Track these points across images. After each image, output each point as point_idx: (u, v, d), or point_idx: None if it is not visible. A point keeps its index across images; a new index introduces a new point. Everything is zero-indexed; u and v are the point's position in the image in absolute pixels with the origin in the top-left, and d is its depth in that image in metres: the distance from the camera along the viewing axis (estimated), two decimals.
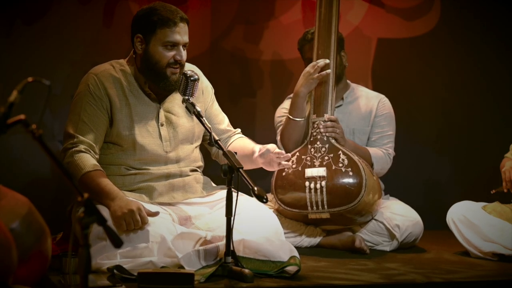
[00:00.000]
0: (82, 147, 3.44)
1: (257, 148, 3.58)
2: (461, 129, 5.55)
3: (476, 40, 5.53)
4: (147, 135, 3.56)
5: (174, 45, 3.50)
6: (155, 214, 3.34)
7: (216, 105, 3.85)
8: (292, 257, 3.27)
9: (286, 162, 3.55)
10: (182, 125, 3.64)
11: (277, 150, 3.53)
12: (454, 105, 5.57)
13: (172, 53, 3.50)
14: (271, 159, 3.53)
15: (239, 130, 3.91)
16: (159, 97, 3.61)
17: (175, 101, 3.63)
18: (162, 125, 3.59)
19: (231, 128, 3.88)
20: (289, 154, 3.63)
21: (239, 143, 3.79)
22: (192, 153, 3.70)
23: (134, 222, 3.24)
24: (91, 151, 3.46)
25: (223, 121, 3.86)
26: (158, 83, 3.54)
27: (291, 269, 3.22)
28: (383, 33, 5.45)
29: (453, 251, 4.18)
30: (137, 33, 3.54)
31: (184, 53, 3.54)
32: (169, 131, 3.61)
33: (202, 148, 3.84)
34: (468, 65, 5.55)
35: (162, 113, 3.60)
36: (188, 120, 3.66)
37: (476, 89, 5.57)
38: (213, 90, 3.84)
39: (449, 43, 5.53)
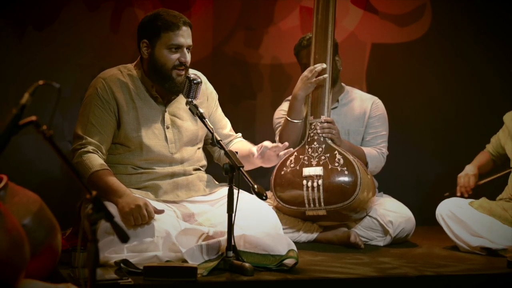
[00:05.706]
0: (90, 148, 3.50)
1: (254, 149, 3.63)
2: (453, 130, 5.57)
3: (468, 43, 5.53)
4: (153, 137, 3.62)
5: (178, 47, 3.56)
6: (161, 212, 3.39)
7: (219, 110, 3.91)
8: (290, 250, 3.32)
9: (284, 151, 3.60)
10: (187, 128, 3.70)
11: (273, 144, 3.58)
12: (447, 106, 5.58)
13: (176, 55, 3.56)
14: (270, 155, 3.59)
15: (240, 134, 3.97)
16: (165, 101, 3.67)
17: (180, 105, 3.69)
18: (168, 127, 3.65)
19: (233, 133, 3.94)
20: (286, 143, 3.60)
21: (238, 145, 3.84)
22: (195, 154, 3.76)
23: (141, 217, 3.28)
24: (99, 151, 3.51)
25: (226, 126, 3.92)
26: (163, 84, 3.59)
27: (289, 262, 3.28)
28: (377, 38, 5.46)
29: (443, 245, 4.24)
30: (142, 39, 3.60)
31: (188, 55, 3.59)
32: (174, 134, 3.67)
33: (205, 149, 3.90)
34: (460, 67, 5.56)
35: (167, 116, 3.66)
36: (193, 124, 3.72)
37: (469, 90, 5.58)
38: (217, 96, 3.90)
39: (442, 46, 5.53)
